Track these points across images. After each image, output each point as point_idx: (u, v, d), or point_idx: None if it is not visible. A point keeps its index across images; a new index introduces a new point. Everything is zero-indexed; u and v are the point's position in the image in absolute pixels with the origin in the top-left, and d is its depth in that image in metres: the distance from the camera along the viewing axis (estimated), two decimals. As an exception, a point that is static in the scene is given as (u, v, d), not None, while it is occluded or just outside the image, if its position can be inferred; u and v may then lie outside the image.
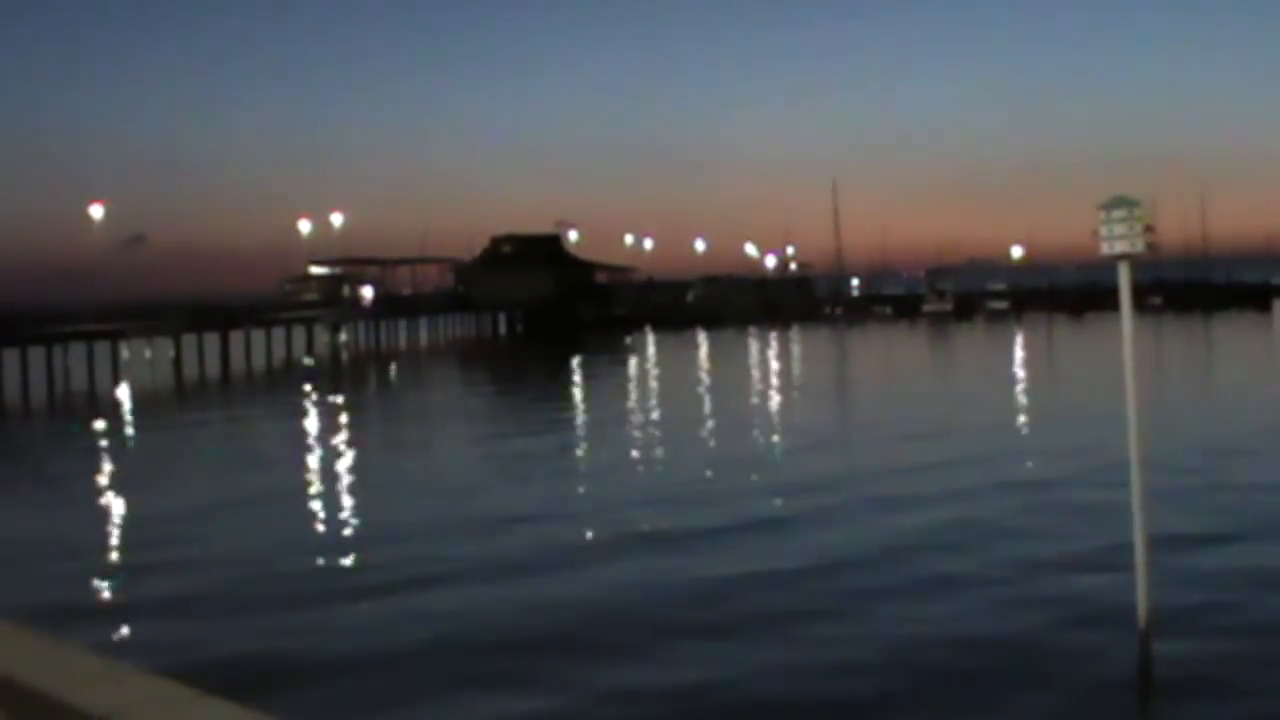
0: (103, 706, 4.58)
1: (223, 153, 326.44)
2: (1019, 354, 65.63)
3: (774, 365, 65.89)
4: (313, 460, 33.94)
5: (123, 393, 59.40)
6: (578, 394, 54.85)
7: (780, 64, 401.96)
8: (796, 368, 65.13)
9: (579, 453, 34.87)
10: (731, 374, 59.26)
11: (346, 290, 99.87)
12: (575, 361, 71.66)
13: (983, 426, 35.37)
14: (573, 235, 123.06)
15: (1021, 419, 38.03)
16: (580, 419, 44.34)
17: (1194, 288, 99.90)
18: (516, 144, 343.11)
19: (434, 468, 31.84)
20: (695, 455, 32.11)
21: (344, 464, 32.93)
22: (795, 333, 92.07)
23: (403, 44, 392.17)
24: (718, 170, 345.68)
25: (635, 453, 33.15)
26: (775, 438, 35.95)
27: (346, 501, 26.85)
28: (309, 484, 29.48)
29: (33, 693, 4.96)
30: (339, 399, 54.22)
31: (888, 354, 72.79)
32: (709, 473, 28.92)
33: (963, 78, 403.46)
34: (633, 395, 51.91)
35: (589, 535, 22.16)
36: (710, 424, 39.73)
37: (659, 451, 33.22)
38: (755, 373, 61.11)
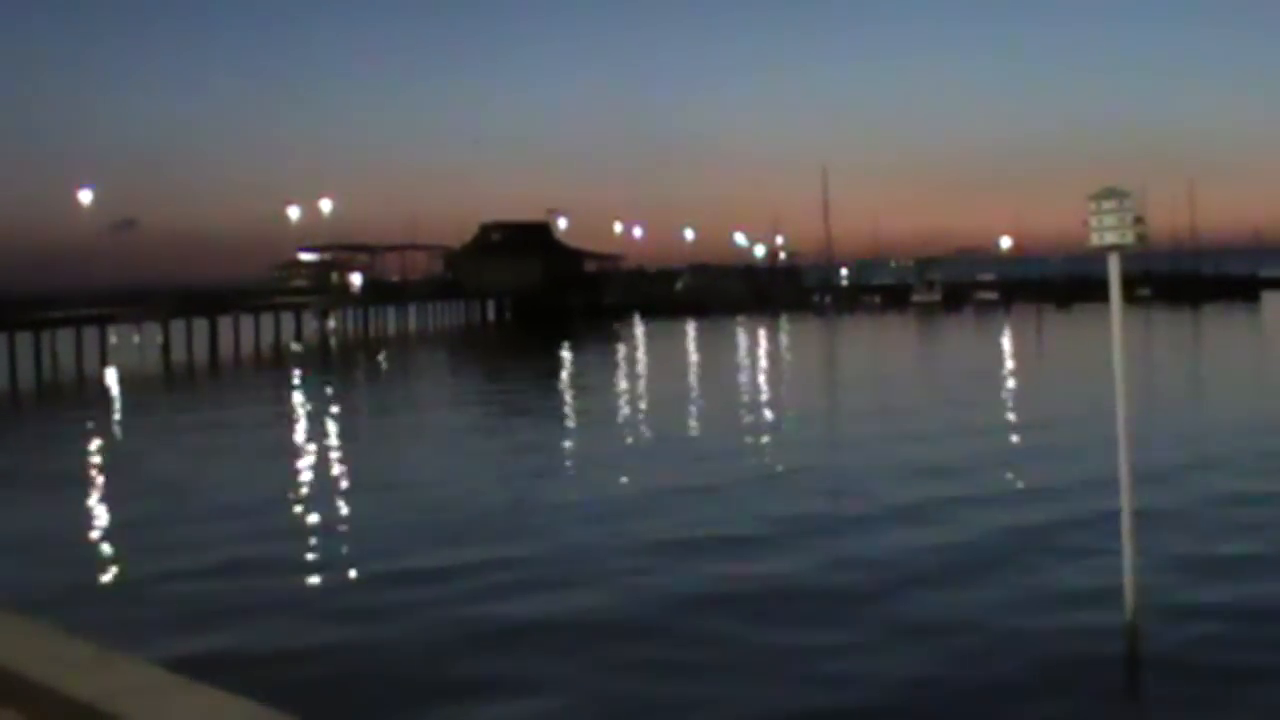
0: (89, 692, 4.55)
1: (212, 138, 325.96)
2: (1009, 350, 65.54)
3: (767, 358, 65.94)
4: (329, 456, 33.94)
5: (112, 378, 59.37)
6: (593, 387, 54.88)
7: (769, 52, 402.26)
8: (808, 362, 65.14)
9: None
10: (727, 366, 59.24)
11: (336, 277, 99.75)
12: (568, 350, 71.67)
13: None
14: (562, 223, 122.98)
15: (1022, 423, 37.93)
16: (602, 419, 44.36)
17: (1182, 279, 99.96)
18: (506, 132, 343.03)
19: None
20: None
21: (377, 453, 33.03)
22: (784, 322, 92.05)
23: (392, 31, 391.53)
24: (707, 159, 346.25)
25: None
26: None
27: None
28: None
29: (18, 678, 4.93)
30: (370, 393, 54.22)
31: (882, 346, 72.78)
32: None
33: (952, 67, 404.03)
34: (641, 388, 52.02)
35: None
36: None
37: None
38: (754, 364, 61.13)
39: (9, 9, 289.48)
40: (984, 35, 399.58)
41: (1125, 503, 13.70)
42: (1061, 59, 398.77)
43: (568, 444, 33.80)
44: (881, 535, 20.21)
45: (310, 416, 42.14)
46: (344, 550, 20.65)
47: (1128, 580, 13.51)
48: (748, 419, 37.61)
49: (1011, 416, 36.13)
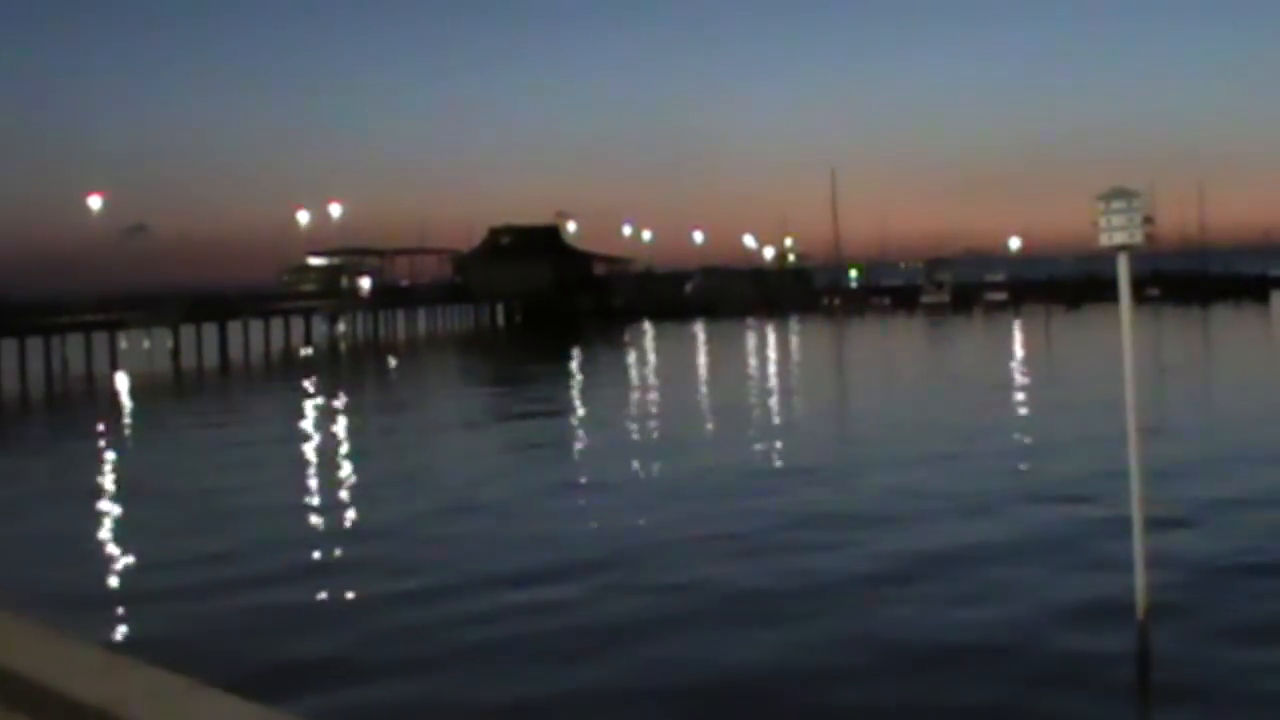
0: (101, 698, 4.57)
1: (221, 143, 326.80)
2: (1019, 353, 65.37)
3: (789, 363, 65.83)
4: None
5: (122, 384, 59.46)
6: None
7: (779, 54, 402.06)
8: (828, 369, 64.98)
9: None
10: (762, 372, 59.08)
11: (345, 281, 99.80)
12: (583, 354, 71.59)
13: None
14: (571, 226, 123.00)
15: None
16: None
17: (1192, 279, 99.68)
18: (515, 135, 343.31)
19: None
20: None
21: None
22: (794, 324, 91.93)
23: (401, 34, 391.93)
24: (716, 161, 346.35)
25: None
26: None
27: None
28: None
29: (30, 683, 4.94)
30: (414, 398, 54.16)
31: (896, 349, 72.63)
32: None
33: (961, 69, 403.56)
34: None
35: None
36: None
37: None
38: (779, 370, 60.98)
39: (18, 14, 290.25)
40: (991, 36, 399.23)
41: (1135, 499, 13.66)
42: (1070, 59, 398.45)
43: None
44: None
45: (341, 424, 42.08)
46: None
47: (1139, 583, 13.48)
48: (838, 430, 35.69)
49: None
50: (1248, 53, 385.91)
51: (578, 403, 46.65)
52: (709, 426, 36.75)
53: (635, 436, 35.30)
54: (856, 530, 20.77)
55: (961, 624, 15.36)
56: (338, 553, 20.99)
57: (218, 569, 19.47)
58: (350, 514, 24.44)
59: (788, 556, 18.99)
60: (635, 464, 29.31)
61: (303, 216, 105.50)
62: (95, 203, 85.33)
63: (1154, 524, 13.82)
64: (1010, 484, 24.61)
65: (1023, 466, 26.86)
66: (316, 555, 20.80)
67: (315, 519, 23.84)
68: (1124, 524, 14.05)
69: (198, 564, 19.89)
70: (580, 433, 37.13)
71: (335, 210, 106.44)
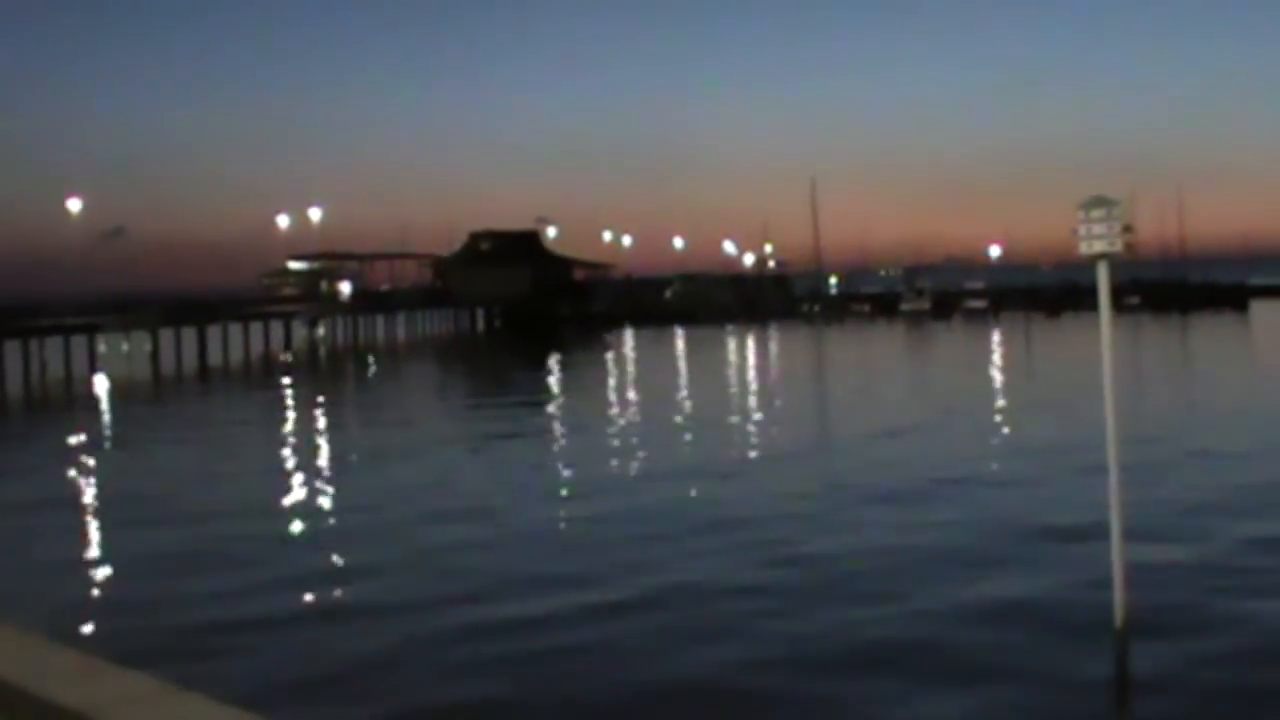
0: (78, 701, 4.54)
1: (202, 147, 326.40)
2: (998, 360, 65.45)
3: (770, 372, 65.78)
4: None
5: (101, 387, 59.12)
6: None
7: (760, 61, 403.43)
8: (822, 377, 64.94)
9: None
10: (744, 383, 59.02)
11: (325, 285, 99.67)
12: (564, 361, 71.45)
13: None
14: (551, 232, 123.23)
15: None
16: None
17: (1171, 288, 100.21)
18: (495, 140, 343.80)
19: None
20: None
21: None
22: (773, 331, 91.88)
23: (384, 40, 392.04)
24: (696, 168, 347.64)
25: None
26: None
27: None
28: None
29: (6, 687, 4.91)
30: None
31: (876, 358, 72.60)
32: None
33: (942, 77, 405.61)
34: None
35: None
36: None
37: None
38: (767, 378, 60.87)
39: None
40: (972, 45, 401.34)
41: (1114, 509, 13.70)
42: (1050, 67, 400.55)
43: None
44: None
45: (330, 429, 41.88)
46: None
47: (1117, 594, 13.51)
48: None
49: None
50: (1227, 63, 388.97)
51: (558, 420, 46.18)
52: (689, 447, 35.01)
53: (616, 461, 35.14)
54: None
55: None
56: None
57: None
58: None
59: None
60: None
61: (283, 221, 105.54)
62: (75, 205, 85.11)
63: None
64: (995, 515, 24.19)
65: (1002, 492, 26.57)
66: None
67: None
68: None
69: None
70: (561, 448, 36.89)
71: (315, 214, 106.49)
